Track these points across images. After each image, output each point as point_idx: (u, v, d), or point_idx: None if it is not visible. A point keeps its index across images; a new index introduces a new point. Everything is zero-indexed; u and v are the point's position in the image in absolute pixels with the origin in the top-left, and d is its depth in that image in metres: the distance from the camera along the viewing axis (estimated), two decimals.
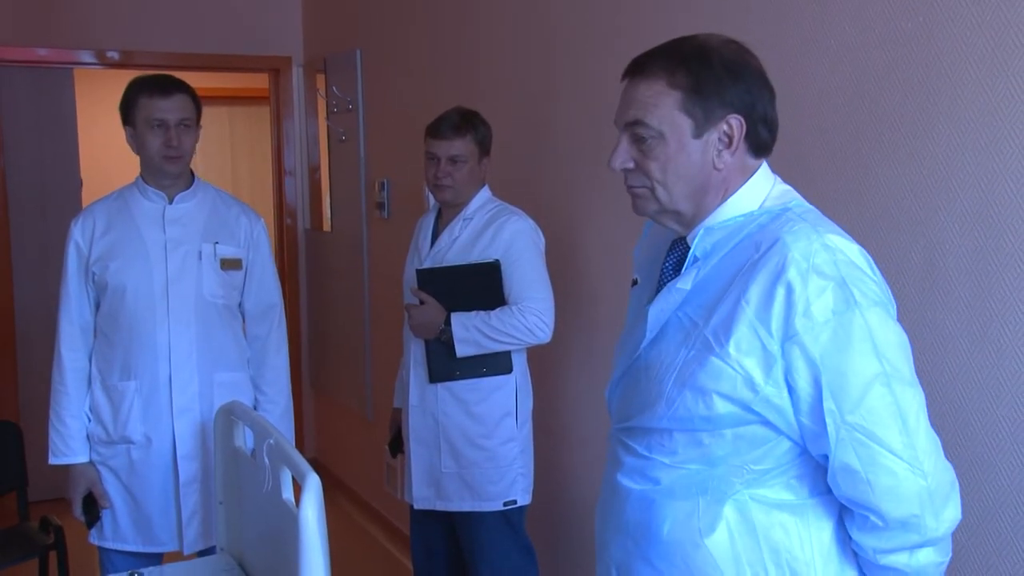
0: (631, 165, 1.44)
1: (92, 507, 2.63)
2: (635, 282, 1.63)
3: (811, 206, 1.45)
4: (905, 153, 1.93)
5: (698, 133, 1.40)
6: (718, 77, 1.39)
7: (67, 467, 2.63)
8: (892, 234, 1.96)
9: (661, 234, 1.59)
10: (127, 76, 2.67)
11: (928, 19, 1.87)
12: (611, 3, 2.80)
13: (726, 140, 1.41)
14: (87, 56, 4.83)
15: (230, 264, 2.68)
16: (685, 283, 1.43)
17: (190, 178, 2.71)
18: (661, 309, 1.45)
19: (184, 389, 2.60)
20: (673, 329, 1.43)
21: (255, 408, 2.75)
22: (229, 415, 2.20)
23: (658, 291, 1.49)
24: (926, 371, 1.91)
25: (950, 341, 1.87)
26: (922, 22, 1.88)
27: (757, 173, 1.45)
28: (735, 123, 1.40)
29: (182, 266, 2.62)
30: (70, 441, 2.61)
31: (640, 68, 1.43)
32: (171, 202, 2.66)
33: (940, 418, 1.88)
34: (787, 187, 1.47)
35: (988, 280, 1.79)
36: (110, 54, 4.84)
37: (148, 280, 2.59)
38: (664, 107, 1.40)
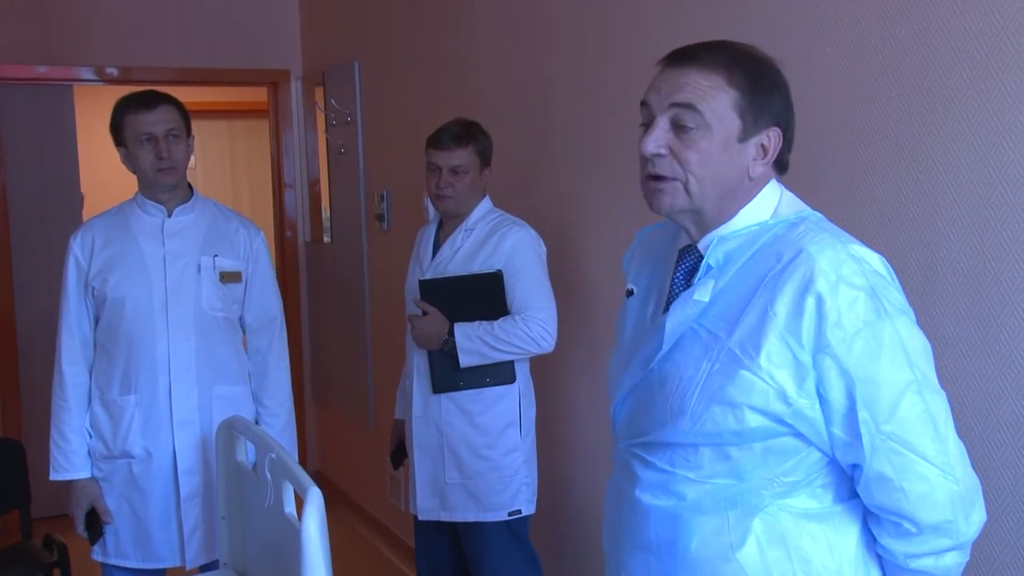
0: (664, 151, 1.38)
1: (95, 523, 2.63)
2: (630, 292, 1.59)
3: (821, 215, 1.44)
4: (902, 157, 1.94)
5: (744, 137, 1.38)
6: (769, 87, 1.39)
7: (69, 483, 2.63)
8: (890, 238, 1.96)
9: (657, 243, 1.57)
10: (127, 92, 2.68)
11: (923, 24, 1.88)
12: (608, 15, 2.81)
13: (762, 151, 1.40)
14: (87, 73, 4.84)
15: (229, 277, 2.68)
16: (703, 295, 1.39)
17: (188, 191, 2.72)
18: (678, 322, 1.41)
19: (184, 403, 2.60)
20: (689, 341, 1.40)
21: (256, 421, 2.74)
22: (230, 430, 2.21)
23: (669, 302, 1.45)
24: None
25: (949, 345, 1.87)
26: (917, 27, 1.89)
27: (768, 184, 1.44)
28: (774, 135, 1.40)
29: (181, 279, 2.62)
30: (72, 457, 2.61)
31: (693, 58, 1.38)
32: (170, 215, 2.67)
33: None
34: (793, 195, 1.46)
35: (986, 284, 1.79)
36: (109, 70, 4.85)
37: (147, 293, 2.59)
38: (719, 101, 1.36)
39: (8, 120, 4.77)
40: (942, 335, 1.88)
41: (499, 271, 2.72)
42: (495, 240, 2.76)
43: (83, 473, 2.62)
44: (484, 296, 2.72)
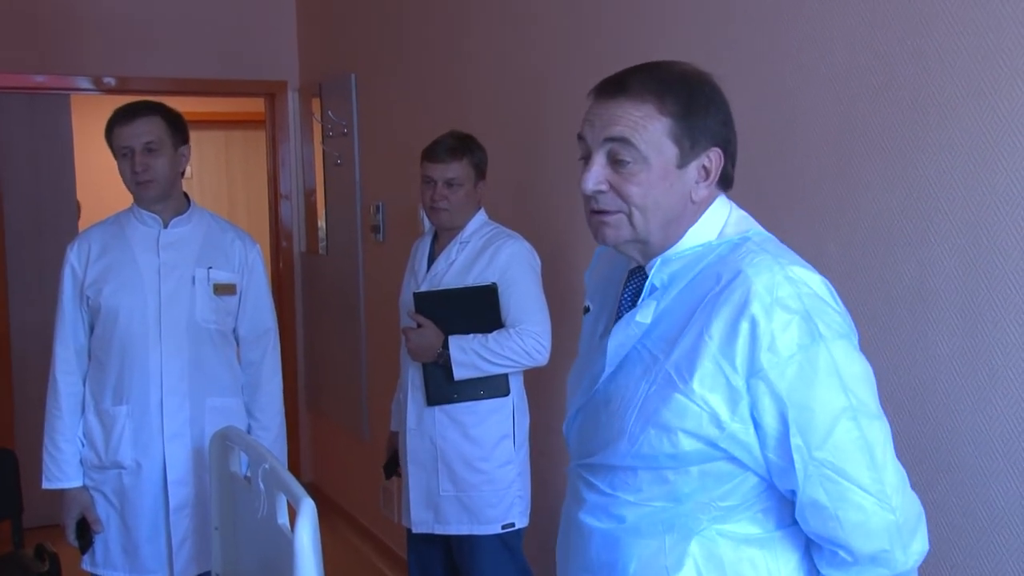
0: (604, 187, 1.38)
1: (86, 532, 2.63)
2: (587, 309, 1.58)
3: (769, 234, 1.42)
4: (896, 174, 1.95)
5: (682, 163, 1.36)
6: (704, 107, 1.36)
7: (61, 492, 2.63)
8: (884, 254, 1.97)
9: (612, 260, 1.56)
10: (124, 102, 2.69)
11: (917, 43, 1.89)
12: (599, 29, 2.82)
13: (704, 173, 1.38)
14: (84, 82, 4.85)
15: (224, 289, 2.69)
16: (645, 316, 1.38)
17: (185, 202, 2.72)
18: (620, 343, 1.40)
19: (175, 414, 2.60)
20: (632, 362, 1.39)
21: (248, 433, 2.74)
22: (224, 440, 2.21)
23: (616, 322, 1.44)
24: (918, 391, 1.91)
25: (942, 361, 1.87)
26: (911, 46, 1.90)
27: (715, 202, 1.42)
28: (715, 156, 1.37)
29: (175, 290, 2.62)
30: (64, 466, 2.61)
31: (623, 87, 1.36)
32: (166, 226, 2.67)
33: (932, 439, 1.89)
34: (743, 213, 1.44)
35: (979, 301, 1.80)
36: (106, 80, 4.86)
37: (141, 304, 2.60)
38: (653, 131, 1.34)
39: (4, 129, 4.78)
40: (935, 352, 1.89)
41: (494, 284, 2.72)
42: (490, 253, 2.76)
43: (75, 482, 2.62)
44: (479, 309, 2.72)
